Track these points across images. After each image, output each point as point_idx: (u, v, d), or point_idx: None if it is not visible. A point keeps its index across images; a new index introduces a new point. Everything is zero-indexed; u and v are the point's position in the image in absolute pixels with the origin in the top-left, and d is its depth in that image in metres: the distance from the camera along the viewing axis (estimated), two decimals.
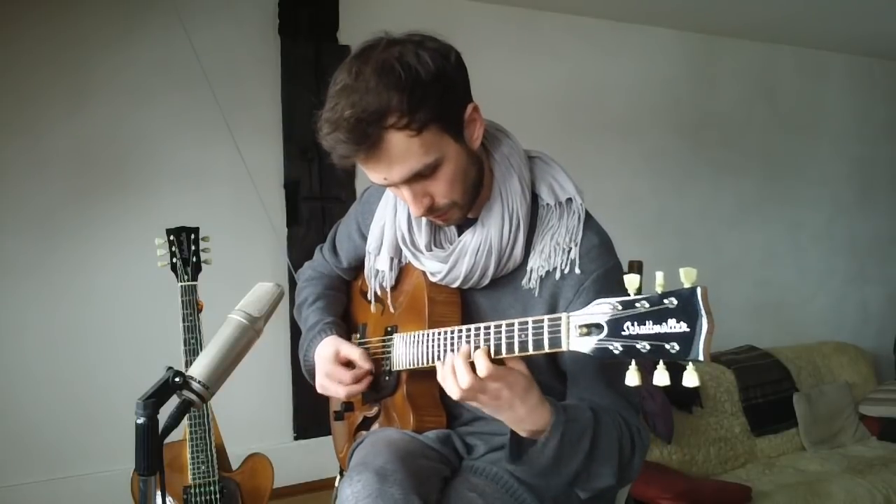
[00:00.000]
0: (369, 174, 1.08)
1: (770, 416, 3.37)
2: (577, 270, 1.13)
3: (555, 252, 1.14)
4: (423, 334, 1.15)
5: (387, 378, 1.29)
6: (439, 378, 1.03)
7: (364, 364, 1.26)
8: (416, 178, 1.06)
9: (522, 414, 1.01)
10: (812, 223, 4.20)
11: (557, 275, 1.14)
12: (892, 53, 4.28)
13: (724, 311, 3.85)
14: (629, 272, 1.59)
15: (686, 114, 3.75)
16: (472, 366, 0.98)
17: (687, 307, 0.79)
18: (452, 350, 1.05)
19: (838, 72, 4.24)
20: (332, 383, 1.28)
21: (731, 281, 3.90)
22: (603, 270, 1.14)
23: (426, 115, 1.01)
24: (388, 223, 1.27)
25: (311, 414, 2.83)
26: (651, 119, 3.65)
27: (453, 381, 0.99)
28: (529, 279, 1.16)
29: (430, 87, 1.01)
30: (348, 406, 1.43)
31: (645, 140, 3.63)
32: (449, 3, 3.08)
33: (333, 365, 1.28)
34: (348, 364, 1.28)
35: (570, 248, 1.14)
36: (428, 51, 1.03)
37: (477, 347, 1.00)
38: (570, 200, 1.18)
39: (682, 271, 0.79)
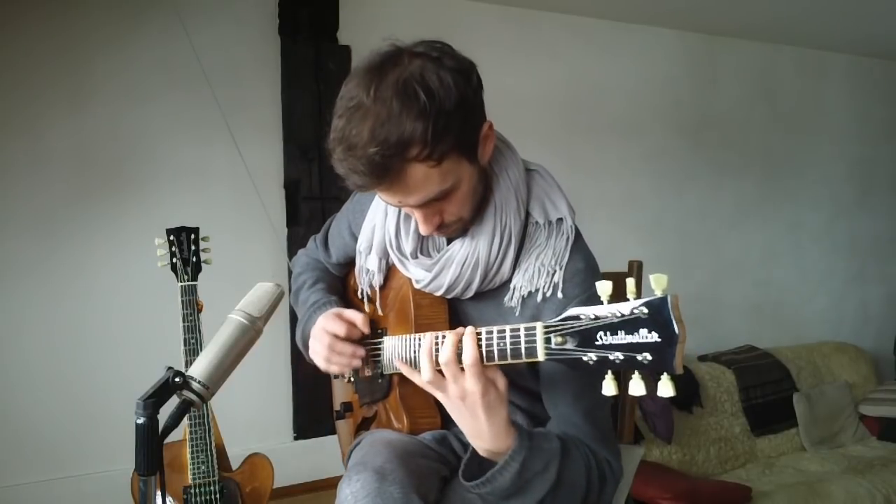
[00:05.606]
0: (383, 197, 1.06)
1: (770, 416, 3.38)
2: (560, 294, 1.10)
3: (538, 273, 1.12)
4: (411, 338, 1.15)
5: (380, 381, 1.29)
6: (420, 352, 1.03)
7: (364, 328, 1.26)
8: (431, 202, 1.05)
9: (484, 429, 1.00)
10: (812, 223, 4.20)
11: (539, 297, 1.12)
12: (892, 53, 4.28)
13: (724, 311, 3.86)
14: (628, 273, 1.59)
15: (686, 114, 3.75)
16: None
17: (657, 317, 0.75)
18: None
19: (838, 72, 4.23)
20: (324, 335, 1.26)
21: (730, 281, 3.90)
22: (586, 297, 1.09)
23: (447, 145, 0.98)
24: (378, 226, 1.26)
25: (310, 414, 2.83)
26: (651, 119, 3.64)
27: (429, 356, 1.00)
28: (511, 297, 1.14)
29: (452, 116, 0.97)
30: (347, 406, 1.45)
31: (645, 140, 3.63)
32: (448, 2, 3.07)
33: (333, 319, 1.27)
34: (350, 326, 1.27)
35: (555, 272, 1.11)
36: (450, 72, 0.98)
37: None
38: (560, 220, 1.15)
39: (651, 278, 0.75)
